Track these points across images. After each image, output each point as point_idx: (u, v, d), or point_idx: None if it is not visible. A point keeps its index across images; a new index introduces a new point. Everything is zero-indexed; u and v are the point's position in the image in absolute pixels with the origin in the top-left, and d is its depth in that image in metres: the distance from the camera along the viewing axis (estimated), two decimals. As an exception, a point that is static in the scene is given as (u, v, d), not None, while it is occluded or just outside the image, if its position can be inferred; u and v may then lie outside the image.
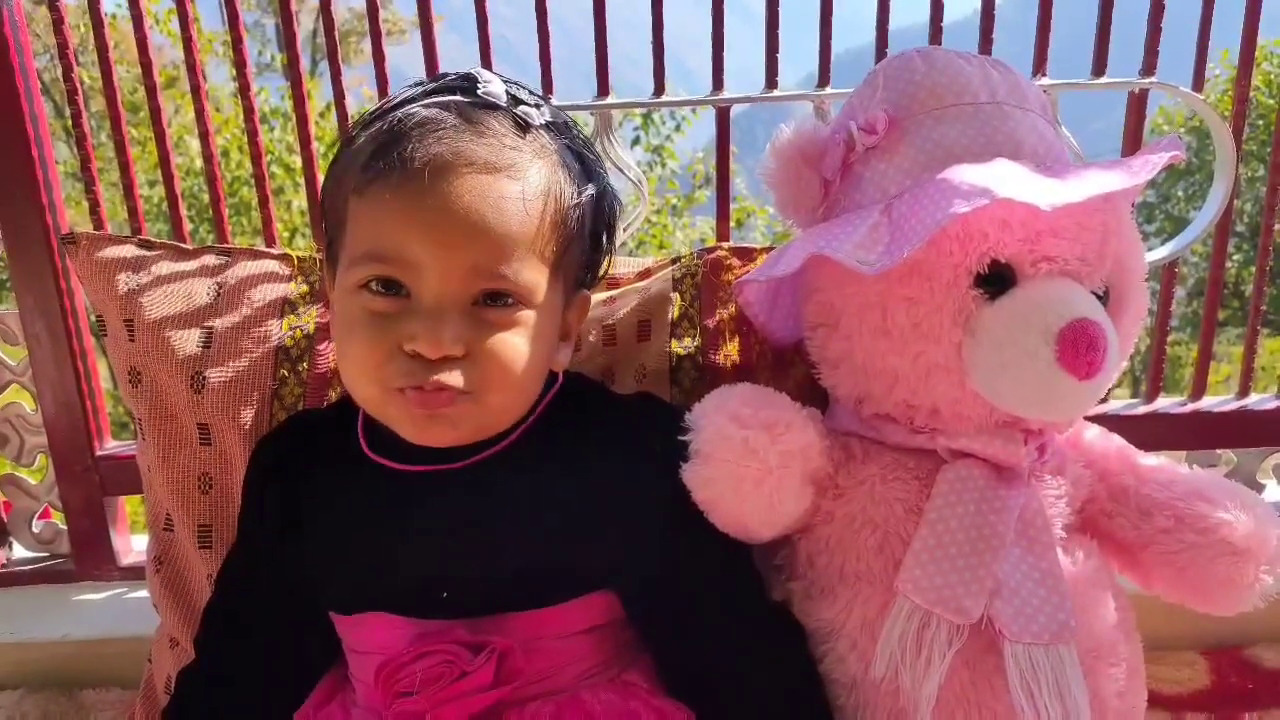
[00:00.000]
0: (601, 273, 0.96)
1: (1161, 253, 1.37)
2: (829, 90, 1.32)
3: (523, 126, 0.83)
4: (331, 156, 0.89)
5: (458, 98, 0.83)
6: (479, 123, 0.81)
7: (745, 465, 0.83)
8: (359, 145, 0.83)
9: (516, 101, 0.84)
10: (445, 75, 0.88)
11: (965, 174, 0.80)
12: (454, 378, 0.79)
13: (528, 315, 0.82)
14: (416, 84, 0.87)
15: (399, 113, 0.82)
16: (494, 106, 0.83)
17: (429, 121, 0.80)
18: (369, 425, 0.91)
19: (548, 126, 0.85)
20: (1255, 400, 1.46)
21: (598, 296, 1.15)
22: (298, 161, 8.55)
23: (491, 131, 0.81)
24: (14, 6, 1.27)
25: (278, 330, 1.11)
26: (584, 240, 0.88)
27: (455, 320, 0.78)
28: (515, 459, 0.87)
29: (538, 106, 0.86)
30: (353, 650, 0.92)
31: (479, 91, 0.84)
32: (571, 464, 0.88)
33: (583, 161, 0.88)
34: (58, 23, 1.27)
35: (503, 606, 0.85)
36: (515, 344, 0.81)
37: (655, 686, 0.90)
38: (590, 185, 0.87)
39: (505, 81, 0.86)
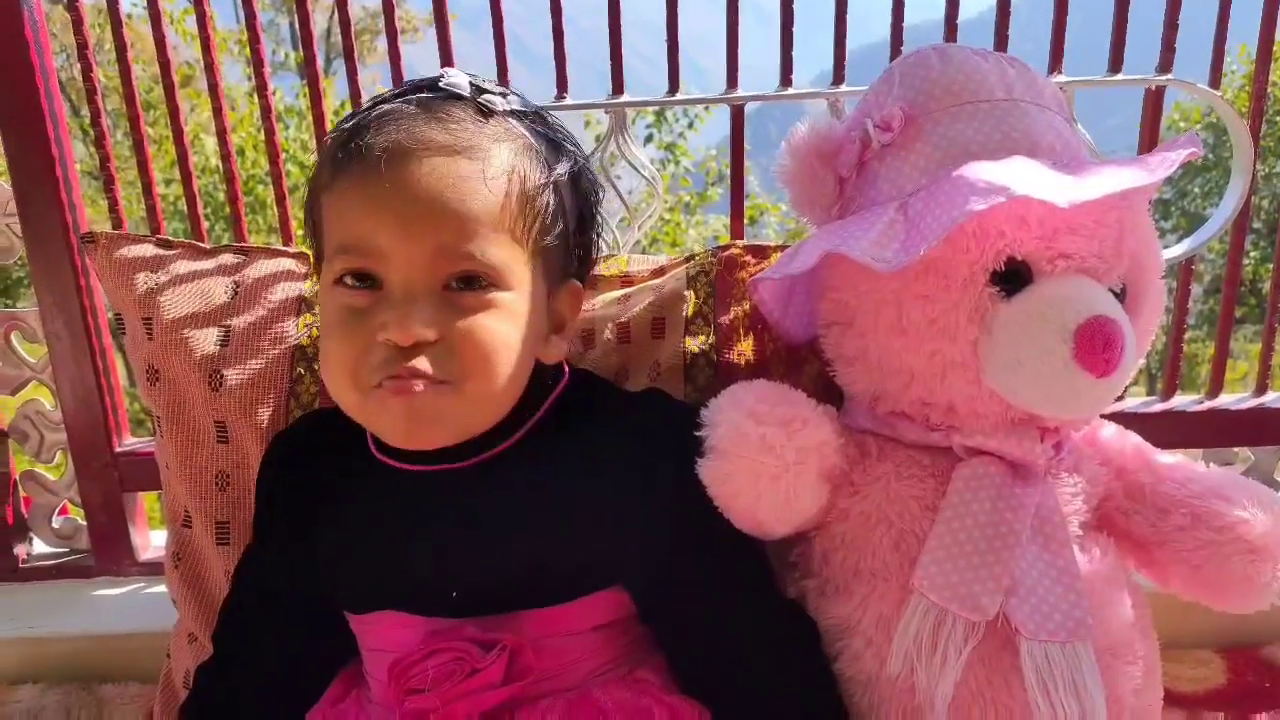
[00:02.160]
0: (593, 261, 0.96)
1: (1178, 250, 1.36)
2: (844, 88, 1.32)
3: (485, 113, 0.84)
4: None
5: (423, 94, 0.84)
6: (438, 110, 0.82)
7: (762, 461, 0.83)
8: (328, 147, 0.85)
9: (480, 91, 0.86)
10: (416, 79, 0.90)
11: (981, 171, 0.80)
12: (425, 363, 0.78)
13: (502, 297, 0.81)
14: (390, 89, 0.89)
15: (365, 111, 0.84)
16: (456, 97, 0.84)
17: (389, 113, 0.82)
18: None
19: (513, 113, 0.86)
20: (1272, 398, 1.45)
21: (611, 294, 1.15)
22: (312, 159, 8.61)
23: (451, 118, 0.82)
24: (34, 6, 1.28)
25: (294, 329, 1.12)
26: (562, 222, 0.87)
27: (425, 305, 0.78)
28: (523, 456, 0.87)
29: (503, 95, 0.86)
30: (366, 647, 0.93)
31: (442, 84, 0.85)
32: (579, 460, 0.88)
33: (554, 145, 0.88)
34: (77, 23, 1.28)
35: (513, 604, 0.86)
36: (490, 326, 0.80)
37: (667, 683, 0.90)
38: (562, 166, 0.87)
39: (471, 76, 0.88)
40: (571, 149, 0.90)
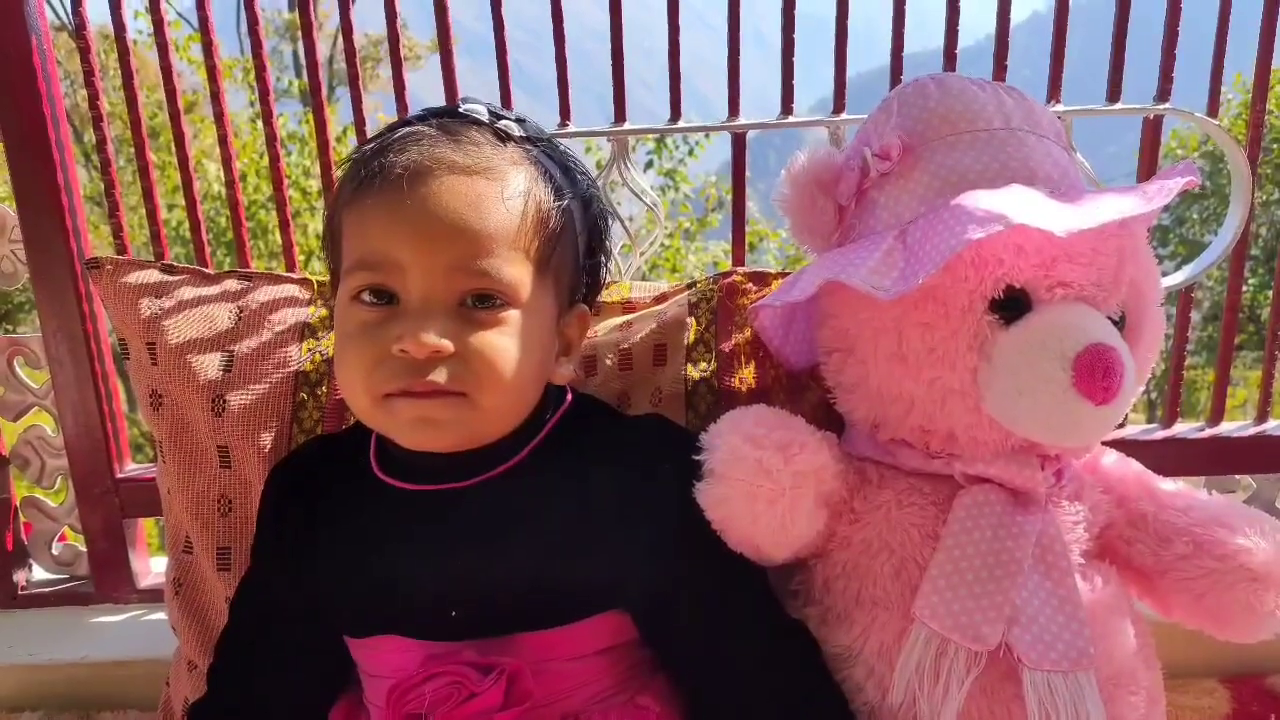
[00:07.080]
0: (601, 287, 0.97)
1: (1178, 278, 1.37)
2: (844, 116, 1.33)
3: (502, 138, 0.86)
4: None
5: (442, 119, 0.87)
6: (457, 133, 0.84)
7: (758, 485, 0.84)
8: (350, 167, 0.87)
9: (497, 118, 0.88)
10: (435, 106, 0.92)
11: (980, 200, 0.81)
12: (442, 375, 0.80)
13: (515, 315, 0.82)
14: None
15: (386, 133, 0.86)
16: (474, 121, 0.87)
17: (410, 134, 0.84)
18: (381, 446, 0.92)
19: (528, 139, 0.88)
20: (1274, 425, 1.45)
21: (613, 321, 1.15)
22: (314, 185, 8.64)
23: (470, 140, 0.84)
24: (42, 34, 1.29)
25: (297, 355, 1.12)
26: (573, 246, 0.89)
27: (440, 319, 0.80)
28: (524, 477, 0.88)
29: (519, 122, 0.89)
30: (366, 673, 0.92)
31: (461, 109, 0.88)
32: (580, 483, 0.88)
33: (566, 171, 0.90)
34: (84, 50, 1.30)
35: (513, 626, 0.86)
36: (503, 342, 0.82)
37: (667, 709, 0.89)
38: (574, 191, 0.90)
39: (488, 104, 0.90)
40: (581, 176, 0.92)
